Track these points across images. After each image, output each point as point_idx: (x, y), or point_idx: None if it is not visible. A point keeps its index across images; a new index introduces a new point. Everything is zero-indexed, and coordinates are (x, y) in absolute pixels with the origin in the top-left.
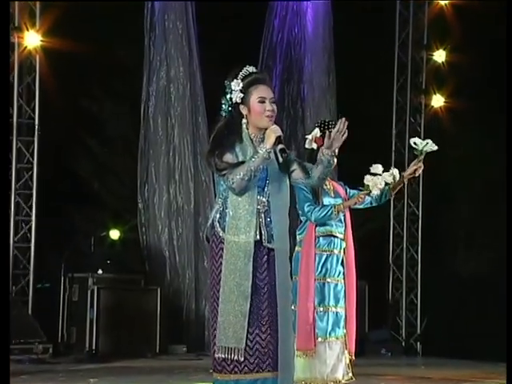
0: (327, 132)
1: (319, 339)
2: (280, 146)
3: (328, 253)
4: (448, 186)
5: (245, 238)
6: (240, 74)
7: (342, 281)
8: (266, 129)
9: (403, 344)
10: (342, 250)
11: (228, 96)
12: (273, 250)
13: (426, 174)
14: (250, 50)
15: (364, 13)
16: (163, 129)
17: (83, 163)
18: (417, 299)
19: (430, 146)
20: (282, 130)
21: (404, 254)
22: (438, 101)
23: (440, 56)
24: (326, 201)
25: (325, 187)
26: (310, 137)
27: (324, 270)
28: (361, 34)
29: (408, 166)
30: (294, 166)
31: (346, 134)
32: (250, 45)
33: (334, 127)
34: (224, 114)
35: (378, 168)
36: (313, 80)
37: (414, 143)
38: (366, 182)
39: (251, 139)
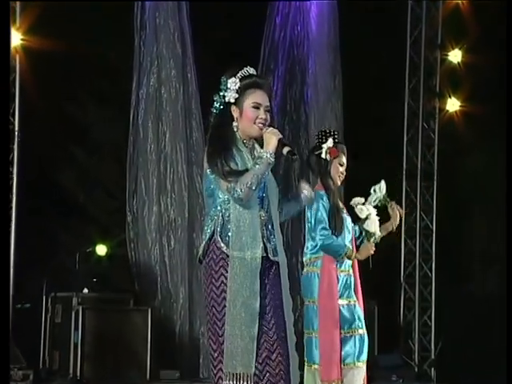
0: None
1: (347, 365)
2: (286, 149)
3: (346, 273)
4: (465, 198)
5: (251, 254)
6: (239, 73)
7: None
8: (254, 138)
9: (416, 370)
10: (351, 269)
11: (222, 93)
12: (276, 263)
13: (441, 184)
14: (249, 50)
15: (372, 9)
16: (154, 135)
17: (67, 172)
18: (431, 321)
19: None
20: (283, 134)
21: (417, 272)
22: (453, 105)
23: (455, 56)
24: (347, 237)
25: (344, 213)
26: (325, 146)
27: (347, 292)
28: (369, 32)
29: (421, 176)
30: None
31: None
32: (250, 45)
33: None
34: (214, 111)
35: (357, 201)
36: (317, 82)
37: (374, 190)
38: (367, 228)
39: (245, 145)
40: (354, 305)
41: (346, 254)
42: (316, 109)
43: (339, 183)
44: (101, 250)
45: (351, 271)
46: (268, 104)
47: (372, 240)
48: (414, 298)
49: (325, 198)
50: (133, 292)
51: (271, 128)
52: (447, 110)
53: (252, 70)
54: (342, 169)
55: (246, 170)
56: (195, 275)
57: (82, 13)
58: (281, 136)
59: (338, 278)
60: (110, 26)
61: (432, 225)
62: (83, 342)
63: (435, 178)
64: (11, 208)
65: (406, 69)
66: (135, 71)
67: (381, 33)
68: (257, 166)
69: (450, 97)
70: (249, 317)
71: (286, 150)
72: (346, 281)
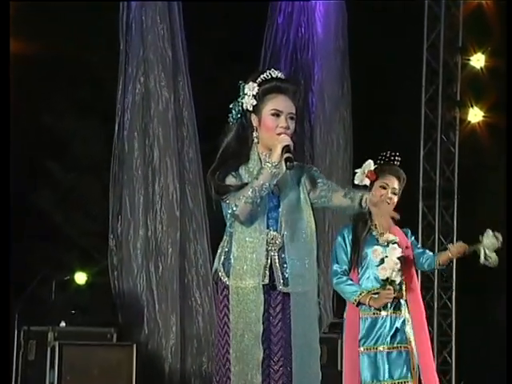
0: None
1: None
2: (285, 155)
3: (374, 315)
4: (488, 220)
5: (252, 282)
6: (260, 77)
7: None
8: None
9: None
10: (400, 311)
11: (240, 100)
12: (287, 294)
13: (462, 204)
14: (249, 53)
15: (385, 9)
16: (140, 149)
17: (42, 191)
18: (451, 358)
19: None
20: (294, 141)
21: (435, 302)
22: (475, 115)
23: (478, 61)
24: (370, 277)
25: (373, 249)
26: (360, 170)
27: (370, 338)
28: (381, 34)
29: (439, 195)
30: (319, 181)
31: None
32: (249, 48)
33: (394, 160)
34: (232, 122)
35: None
36: (323, 89)
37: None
38: (378, 274)
39: (260, 159)
40: (380, 353)
41: (358, 298)
42: (322, 119)
43: (385, 209)
44: (80, 278)
45: (390, 312)
46: (292, 111)
47: (387, 287)
48: (432, 331)
49: (346, 231)
50: (116, 325)
51: (283, 135)
52: (469, 121)
53: (276, 73)
54: (388, 193)
55: (246, 185)
56: (187, 306)
57: (62, 14)
58: (287, 143)
59: (359, 320)
60: (93, 28)
61: None
62: (60, 381)
63: (455, 196)
64: None
65: (423, 75)
66: (120, 78)
67: (394, 35)
68: (256, 177)
69: (471, 106)
70: (252, 341)
71: (284, 156)
72: (373, 324)
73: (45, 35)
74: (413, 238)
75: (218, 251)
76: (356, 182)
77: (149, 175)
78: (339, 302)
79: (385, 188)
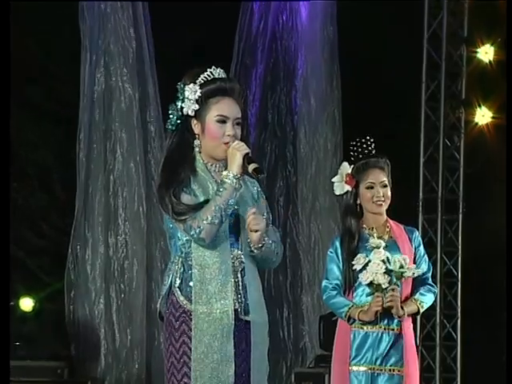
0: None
1: None
2: (253, 166)
3: (364, 329)
4: (498, 238)
5: (220, 306)
6: (200, 78)
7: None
8: (222, 159)
9: None
10: (397, 326)
11: (179, 104)
12: (248, 322)
13: (468, 219)
14: (221, 44)
15: None
16: (99, 155)
17: None
18: None
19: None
20: (249, 147)
21: (437, 333)
22: (483, 116)
23: (486, 53)
24: (361, 288)
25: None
26: (337, 178)
27: (361, 355)
28: (375, 21)
29: (442, 208)
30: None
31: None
32: (222, 37)
33: (368, 150)
34: (170, 128)
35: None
36: (308, 86)
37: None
38: (360, 280)
39: (208, 169)
40: (369, 374)
41: (348, 313)
42: (307, 120)
43: (380, 211)
44: (26, 304)
45: (384, 327)
46: (239, 116)
47: (375, 294)
48: (434, 366)
49: (336, 243)
50: (68, 359)
51: (236, 142)
52: (476, 123)
53: (218, 72)
54: (378, 191)
55: (206, 202)
56: (153, 337)
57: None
58: (247, 151)
59: (350, 335)
60: (47, 18)
61: (457, 271)
62: None
63: (460, 210)
64: None
65: (423, 69)
66: (82, 74)
67: (390, 23)
68: (218, 193)
69: (479, 106)
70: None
71: (252, 167)
72: (364, 340)
73: None
74: (418, 242)
75: (169, 273)
76: (337, 193)
77: (110, 185)
78: (328, 331)
79: (372, 187)
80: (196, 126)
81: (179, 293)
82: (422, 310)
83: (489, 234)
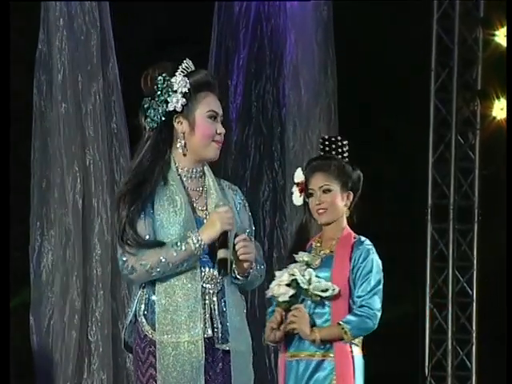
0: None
1: None
2: (221, 254)
3: (290, 358)
4: None
5: (188, 337)
6: (182, 67)
7: None
8: (208, 160)
9: None
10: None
11: (164, 97)
12: (227, 352)
13: (484, 228)
14: (197, 25)
15: None
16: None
17: None
18: None
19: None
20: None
21: (449, 360)
22: (502, 109)
23: (505, 37)
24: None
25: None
26: (294, 188)
27: None
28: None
29: (454, 216)
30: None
31: None
32: (198, 17)
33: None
34: (151, 127)
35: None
36: (299, 74)
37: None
38: (267, 295)
39: (180, 178)
40: None
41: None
42: (297, 113)
43: (324, 221)
44: None
45: (307, 354)
46: (221, 113)
47: (276, 308)
48: None
49: None
50: None
51: (226, 208)
52: (493, 117)
53: (191, 64)
54: (316, 199)
55: (158, 244)
56: (120, 366)
57: None
58: (229, 228)
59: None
60: None
61: (471, 289)
62: None
63: (476, 218)
64: None
65: (432, 55)
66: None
67: (393, 1)
68: (175, 248)
69: (497, 97)
70: None
71: (219, 254)
72: (289, 370)
73: None
74: (363, 258)
75: (134, 297)
76: (297, 204)
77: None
78: None
79: (312, 194)
80: (181, 124)
81: (144, 321)
82: (347, 337)
83: (505, 247)
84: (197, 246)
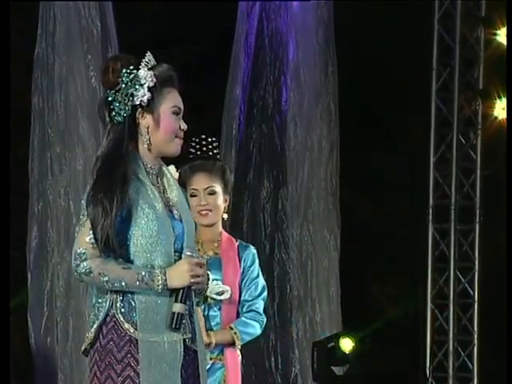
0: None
1: None
2: (177, 309)
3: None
4: None
5: (169, 337)
6: (145, 60)
7: None
8: (169, 156)
9: None
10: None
11: (129, 91)
12: (195, 352)
13: (486, 229)
14: (197, 25)
15: None
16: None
17: None
18: None
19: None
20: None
21: (450, 362)
22: (503, 109)
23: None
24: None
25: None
26: None
27: None
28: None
29: (455, 216)
30: None
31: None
32: (198, 17)
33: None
34: (118, 120)
35: None
36: (300, 74)
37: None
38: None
39: (147, 172)
40: None
41: None
42: (298, 113)
43: (207, 223)
44: None
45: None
46: (183, 108)
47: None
48: None
49: None
50: None
51: (198, 260)
52: (495, 117)
53: (152, 57)
54: (201, 199)
55: (127, 260)
56: None
57: None
58: (200, 286)
59: None
60: None
61: (473, 290)
62: None
63: (477, 218)
64: None
65: (433, 54)
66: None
67: (395, 2)
68: (139, 279)
69: (498, 97)
70: None
71: (176, 308)
72: None
73: None
74: (252, 261)
75: (104, 299)
76: None
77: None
78: (322, 361)
79: (195, 195)
80: (145, 118)
81: (122, 318)
82: (239, 341)
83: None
84: (160, 287)
